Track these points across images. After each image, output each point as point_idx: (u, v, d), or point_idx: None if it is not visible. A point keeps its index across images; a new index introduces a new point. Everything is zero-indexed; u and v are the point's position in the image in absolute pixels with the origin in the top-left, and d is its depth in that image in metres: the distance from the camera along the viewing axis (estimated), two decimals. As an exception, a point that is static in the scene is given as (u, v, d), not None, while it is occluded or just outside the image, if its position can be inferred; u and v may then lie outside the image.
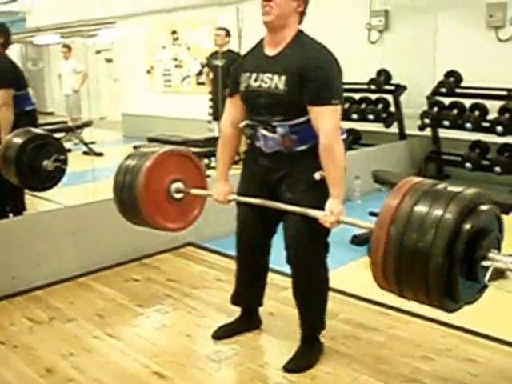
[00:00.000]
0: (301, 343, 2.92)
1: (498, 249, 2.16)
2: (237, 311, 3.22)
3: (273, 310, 3.37)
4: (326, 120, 2.56)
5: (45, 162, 4.36)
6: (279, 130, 2.68)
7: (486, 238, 2.08)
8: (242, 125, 2.86)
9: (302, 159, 2.72)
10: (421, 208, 2.08)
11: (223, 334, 3.17)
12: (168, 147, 3.31)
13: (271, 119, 2.70)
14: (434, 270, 2.00)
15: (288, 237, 2.80)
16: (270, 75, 2.67)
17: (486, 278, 2.10)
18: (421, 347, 3.04)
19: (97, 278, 4.06)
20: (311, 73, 2.56)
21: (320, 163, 2.63)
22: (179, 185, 3.18)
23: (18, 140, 4.29)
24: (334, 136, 2.58)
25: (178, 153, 3.27)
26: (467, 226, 2.02)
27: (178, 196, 3.18)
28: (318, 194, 2.64)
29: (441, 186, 2.19)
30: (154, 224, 3.18)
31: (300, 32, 2.72)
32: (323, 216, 2.55)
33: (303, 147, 2.71)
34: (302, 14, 2.73)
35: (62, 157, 4.52)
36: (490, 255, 2.08)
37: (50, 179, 4.50)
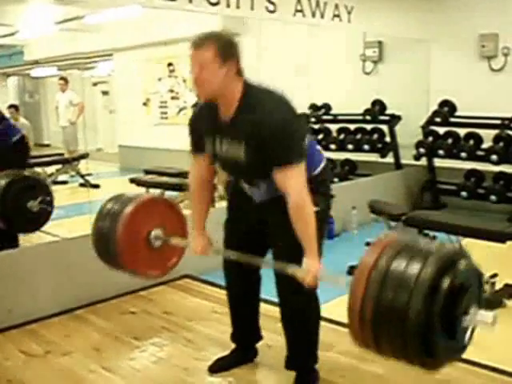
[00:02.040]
0: (296, 375, 2.90)
1: (479, 304, 2.09)
2: (233, 344, 3.20)
3: (269, 341, 3.34)
4: (294, 180, 2.47)
5: (30, 203, 4.36)
6: (262, 184, 2.68)
7: (465, 294, 2.02)
8: (224, 183, 2.84)
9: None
10: (398, 264, 2.03)
11: (220, 366, 3.14)
12: (149, 194, 3.30)
13: (251, 179, 2.70)
14: (411, 327, 1.95)
15: (276, 274, 2.79)
16: (229, 140, 2.58)
17: (467, 337, 2.05)
18: (420, 379, 3.01)
19: (93, 310, 4.03)
20: (270, 137, 2.42)
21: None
22: (159, 232, 3.14)
23: (3, 180, 4.34)
24: (303, 194, 2.49)
25: (158, 200, 3.28)
26: (445, 283, 1.96)
27: (157, 243, 3.14)
28: None
29: (419, 242, 2.17)
30: (130, 269, 3.16)
31: (246, 88, 2.53)
32: (301, 274, 2.51)
33: None
34: (239, 71, 2.52)
35: (48, 198, 4.50)
36: (471, 311, 2.02)
37: (35, 221, 4.49)
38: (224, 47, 2.45)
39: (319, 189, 2.69)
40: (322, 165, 2.77)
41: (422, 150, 6.99)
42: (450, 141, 6.79)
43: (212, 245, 2.96)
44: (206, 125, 2.68)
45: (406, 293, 1.95)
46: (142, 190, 7.34)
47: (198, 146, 2.77)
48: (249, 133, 2.48)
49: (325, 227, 2.87)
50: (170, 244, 3.11)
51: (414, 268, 1.98)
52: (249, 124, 2.47)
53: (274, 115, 2.44)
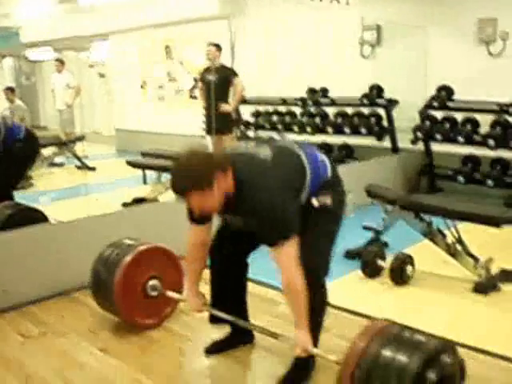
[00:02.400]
0: (294, 359, 2.90)
1: None
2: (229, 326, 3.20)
3: (267, 324, 3.34)
4: (285, 257, 2.54)
5: None
6: None
7: None
8: None
9: None
10: (386, 354, 2.16)
11: (216, 348, 3.16)
12: (148, 243, 3.44)
13: None
14: None
15: None
16: (241, 217, 2.72)
17: None
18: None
19: (89, 293, 4.03)
20: (262, 221, 2.53)
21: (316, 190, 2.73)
22: (155, 282, 3.36)
23: (3, 213, 4.48)
24: (294, 270, 2.55)
25: (157, 249, 3.46)
26: (430, 375, 2.08)
27: (154, 293, 3.35)
28: (324, 218, 2.75)
29: (408, 332, 2.30)
30: (124, 318, 3.38)
31: (236, 177, 2.57)
32: (292, 345, 2.66)
33: None
34: (224, 169, 2.53)
35: None
36: None
37: None
38: (202, 178, 2.46)
39: (332, 186, 2.83)
40: (329, 168, 2.85)
41: (419, 135, 6.97)
42: (447, 125, 6.79)
43: (207, 303, 3.08)
44: None
45: (393, 382, 2.09)
46: (139, 172, 7.34)
47: (197, 220, 2.83)
48: (249, 218, 2.62)
49: (337, 223, 2.86)
50: (166, 295, 3.36)
51: (401, 359, 2.12)
52: (246, 212, 2.62)
53: (262, 204, 2.51)
